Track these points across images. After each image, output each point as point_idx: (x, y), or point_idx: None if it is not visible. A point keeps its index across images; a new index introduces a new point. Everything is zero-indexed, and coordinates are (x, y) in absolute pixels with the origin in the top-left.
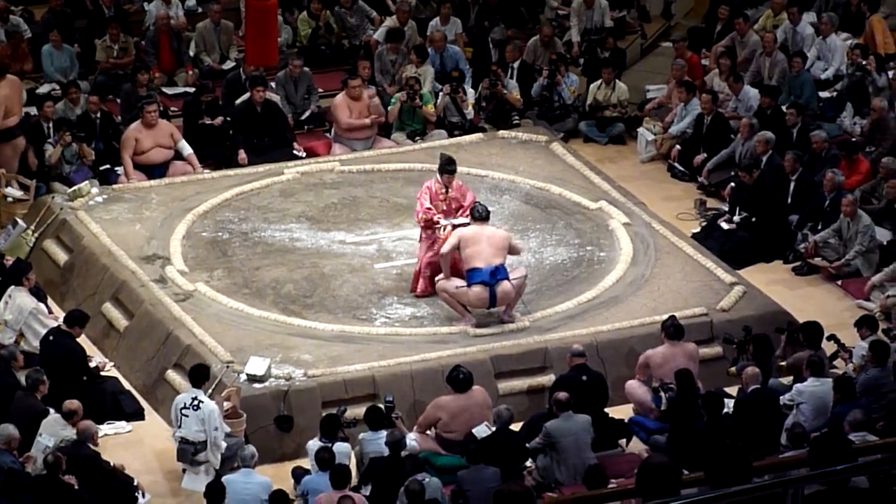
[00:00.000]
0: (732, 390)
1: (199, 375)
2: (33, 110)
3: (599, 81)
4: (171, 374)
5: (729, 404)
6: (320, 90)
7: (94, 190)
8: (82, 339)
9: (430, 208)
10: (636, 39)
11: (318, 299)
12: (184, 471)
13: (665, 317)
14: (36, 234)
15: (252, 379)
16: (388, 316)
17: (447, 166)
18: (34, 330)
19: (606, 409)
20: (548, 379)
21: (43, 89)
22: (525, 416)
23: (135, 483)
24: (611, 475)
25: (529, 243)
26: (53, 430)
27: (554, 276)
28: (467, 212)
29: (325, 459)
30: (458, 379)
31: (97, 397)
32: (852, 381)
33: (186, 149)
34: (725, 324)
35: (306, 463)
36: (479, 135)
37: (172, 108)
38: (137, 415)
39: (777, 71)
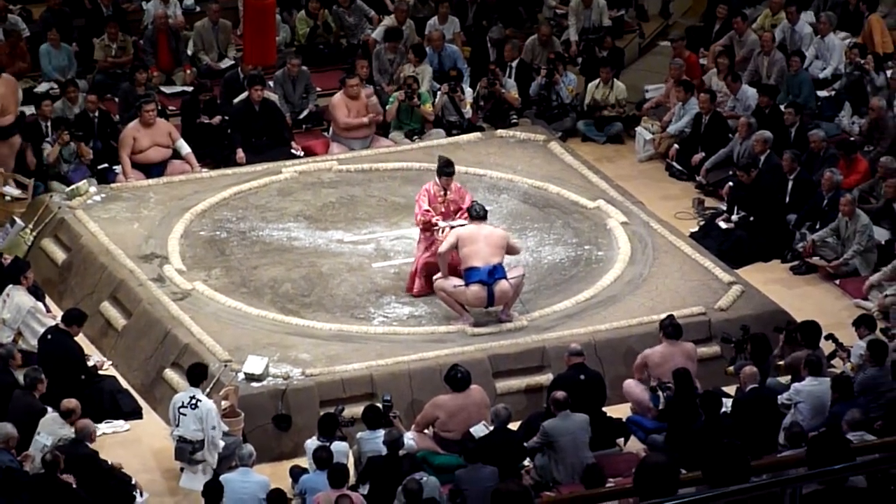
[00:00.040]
0: (730, 389)
1: (197, 374)
2: (31, 109)
3: (597, 81)
4: (169, 373)
5: (727, 403)
6: (318, 89)
7: (93, 189)
8: (80, 338)
9: (428, 210)
10: (634, 38)
11: (316, 298)
12: (182, 469)
13: (663, 316)
14: (34, 233)
15: (250, 378)
16: (386, 315)
17: (445, 168)
18: (32, 329)
19: (604, 409)
20: (546, 378)
21: (41, 88)
22: (523, 415)
23: (133, 482)
24: (609, 474)
25: (527, 242)
26: (51, 429)
27: (552, 276)
28: (466, 214)
29: (322, 458)
30: (456, 378)
31: (95, 396)
32: (850, 381)
33: (184, 148)
34: (723, 323)
35: (304, 462)
36: (477, 134)
37: (170, 107)
38: (135, 414)
39: (775, 70)
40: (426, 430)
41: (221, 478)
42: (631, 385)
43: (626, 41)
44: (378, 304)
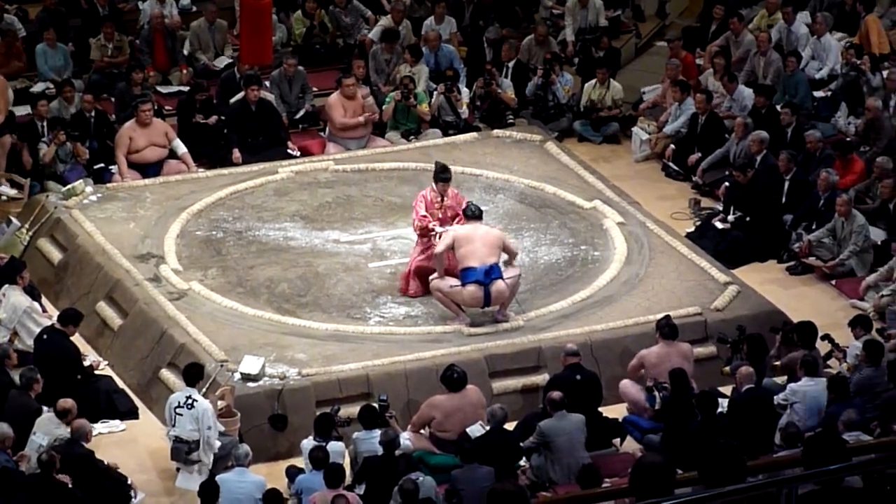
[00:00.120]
0: (726, 390)
1: (193, 374)
2: (28, 109)
3: (594, 81)
4: (165, 373)
5: (723, 404)
6: (315, 89)
7: (89, 189)
8: (76, 338)
9: (425, 216)
10: (631, 39)
11: (312, 298)
12: (178, 470)
13: (659, 316)
14: (30, 233)
15: (246, 378)
16: (383, 315)
17: (442, 175)
18: (28, 328)
19: (600, 409)
20: (542, 378)
21: (37, 88)
22: (519, 415)
23: (128, 482)
24: (605, 474)
25: (524, 243)
26: (47, 429)
27: (548, 276)
28: (463, 221)
29: (319, 458)
30: (453, 378)
31: (91, 396)
32: (846, 381)
33: (181, 147)
34: (720, 323)
35: (300, 462)
36: (474, 134)
37: (167, 107)
38: (131, 413)
39: (771, 70)
40: (422, 431)
41: (218, 478)
42: (627, 385)
43: (622, 41)
44: (374, 304)
